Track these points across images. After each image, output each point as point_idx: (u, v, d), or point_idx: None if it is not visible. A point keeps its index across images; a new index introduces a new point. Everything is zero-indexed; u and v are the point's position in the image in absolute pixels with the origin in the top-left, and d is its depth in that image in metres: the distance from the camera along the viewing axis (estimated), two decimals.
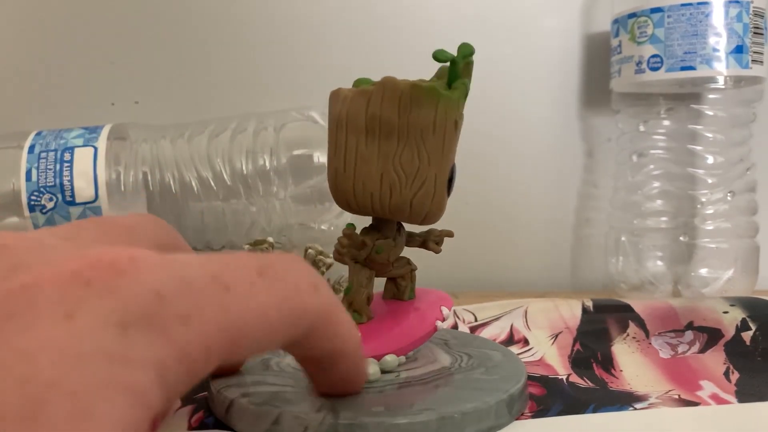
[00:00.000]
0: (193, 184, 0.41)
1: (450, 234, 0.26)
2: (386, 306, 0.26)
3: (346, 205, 0.24)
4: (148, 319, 0.12)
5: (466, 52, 0.23)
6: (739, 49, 0.40)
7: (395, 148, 0.22)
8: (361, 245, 0.24)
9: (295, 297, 0.15)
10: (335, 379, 0.19)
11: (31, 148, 0.40)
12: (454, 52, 0.22)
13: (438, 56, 0.23)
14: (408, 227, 0.25)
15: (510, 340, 0.33)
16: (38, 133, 0.41)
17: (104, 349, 0.11)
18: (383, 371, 0.23)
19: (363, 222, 0.25)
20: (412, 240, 0.26)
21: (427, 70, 0.24)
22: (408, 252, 0.26)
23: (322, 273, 0.39)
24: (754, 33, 0.40)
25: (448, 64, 0.23)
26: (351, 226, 0.24)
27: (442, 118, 0.22)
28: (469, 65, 0.23)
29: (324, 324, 0.16)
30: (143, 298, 0.12)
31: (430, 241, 0.26)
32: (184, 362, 0.12)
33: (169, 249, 0.16)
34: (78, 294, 0.11)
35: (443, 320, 0.25)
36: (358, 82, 0.23)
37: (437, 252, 0.26)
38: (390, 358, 0.23)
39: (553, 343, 0.32)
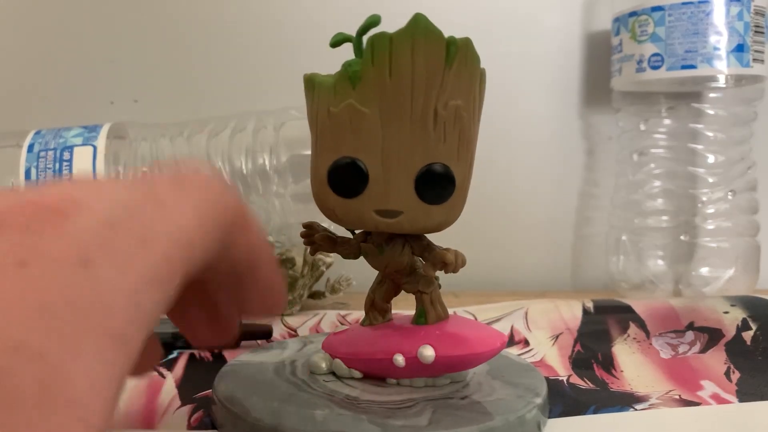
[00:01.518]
0: None
1: (452, 262, 0.21)
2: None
3: None
4: (107, 250, 0.11)
5: (365, 25, 0.21)
6: (740, 48, 0.40)
7: (312, 147, 0.22)
8: (324, 239, 0.23)
9: (214, 197, 0.14)
10: (257, 291, 0.18)
11: (30, 147, 0.40)
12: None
13: (331, 42, 0.21)
14: (437, 239, 0.23)
15: (510, 341, 0.33)
16: (37, 132, 0.41)
17: (68, 293, 0.10)
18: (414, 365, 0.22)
19: None
20: (424, 257, 0.23)
21: None
22: None
23: (322, 273, 0.39)
24: (755, 32, 0.40)
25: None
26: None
27: (316, 108, 0.21)
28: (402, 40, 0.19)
29: (242, 219, 0.15)
30: (96, 232, 0.11)
31: (428, 263, 0.23)
32: (154, 284, 0.11)
33: None
34: (27, 241, 0.10)
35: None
36: (346, 65, 0.21)
37: (429, 276, 0.23)
38: (428, 352, 0.22)
39: (553, 344, 0.32)
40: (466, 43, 0.20)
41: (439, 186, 0.21)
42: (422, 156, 0.20)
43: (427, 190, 0.21)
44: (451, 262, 0.21)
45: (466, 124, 0.21)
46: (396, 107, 0.20)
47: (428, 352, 0.22)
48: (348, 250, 0.23)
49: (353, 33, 0.21)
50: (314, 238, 0.23)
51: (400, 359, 0.22)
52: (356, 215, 0.21)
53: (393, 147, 0.20)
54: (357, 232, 0.24)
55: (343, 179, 0.21)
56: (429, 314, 0.23)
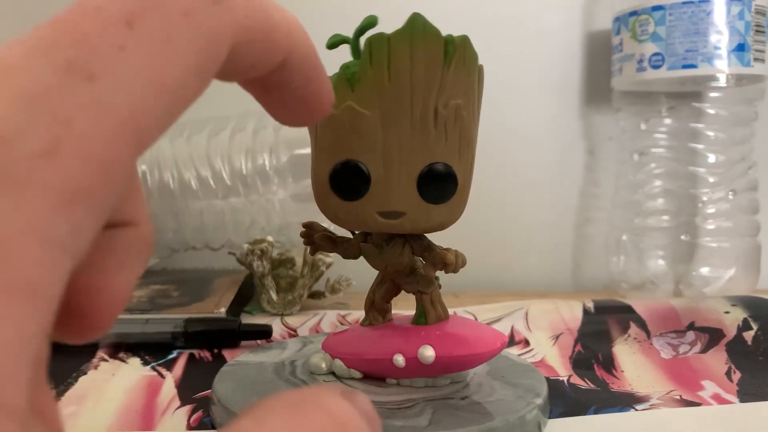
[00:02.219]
0: (192, 183, 0.41)
1: (451, 262, 0.22)
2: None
3: None
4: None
5: (362, 25, 0.20)
6: (740, 47, 0.39)
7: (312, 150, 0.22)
8: (323, 239, 0.23)
9: (189, 29, 0.10)
10: (299, 95, 0.14)
11: None
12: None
13: (328, 44, 0.21)
14: (437, 239, 0.23)
15: (511, 341, 0.33)
16: None
17: None
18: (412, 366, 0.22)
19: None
20: (425, 257, 0.23)
21: None
22: None
23: (322, 273, 0.39)
24: (756, 31, 0.40)
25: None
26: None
27: None
28: (401, 40, 0.19)
29: (250, 37, 0.12)
30: None
31: (428, 263, 0.23)
32: (69, 201, 0.09)
33: None
34: None
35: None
36: (344, 66, 0.21)
37: (429, 277, 0.23)
38: (428, 352, 0.22)
39: (554, 344, 0.32)
40: (464, 41, 0.20)
41: (441, 185, 0.21)
42: (423, 156, 0.20)
43: (428, 190, 0.21)
44: (451, 263, 0.21)
45: (466, 123, 0.21)
46: (396, 108, 0.20)
47: (428, 353, 0.22)
48: (348, 250, 0.23)
49: (351, 34, 0.21)
50: (314, 238, 0.23)
51: (400, 359, 0.22)
52: (359, 217, 0.21)
53: (394, 148, 0.20)
54: (357, 232, 0.24)
55: (345, 182, 0.21)
56: (429, 314, 0.23)
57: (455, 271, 0.22)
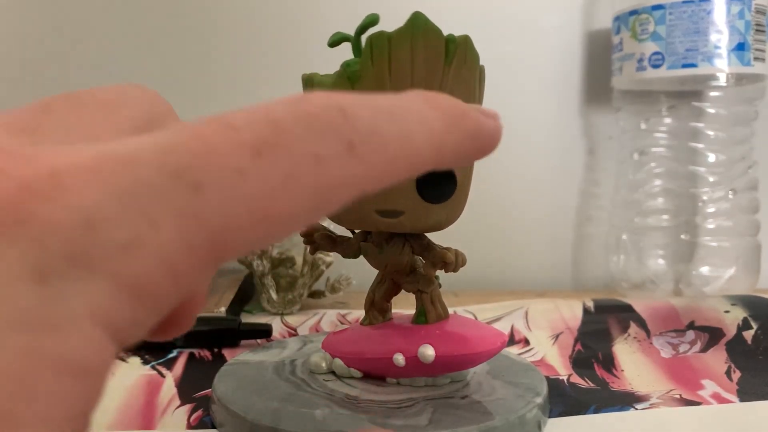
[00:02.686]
0: None
1: (451, 261, 0.22)
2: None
3: None
4: (75, 259, 0.09)
5: (363, 24, 0.20)
6: (740, 47, 0.39)
7: None
8: (323, 238, 0.23)
9: (315, 173, 0.10)
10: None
11: None
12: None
13: (329, 42, 0.21)
14: (437, 238, 0.23)
15: (511, 340, 0.33)
16: None
17: (16, 316, 0.08)
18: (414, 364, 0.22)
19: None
20: (425, 257, 0.23)
21: None
22: None
23: (322, 272, 0.39)
24: (756, 30, 0.40)
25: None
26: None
27: None
28: (403, 38, 0.19)
29: (377, 186, 0.11)
30: (67, 233, 0.08)
31: (427, 262, 0.23)
32: (135, 295, 0.09)
33: (158, 124, 0.12)
34: None
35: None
36: (345, 64, 0.21)
37: (429, 277, 0.23)
38: (428, 351, 0.22)
39: (554, 344, 0.32)
40: (465, 41, 0.20)
41: (440, 185, 0.21)
42: None
43: (428, 190, 0.21)
44: (451, 262, 0.21)
45: None
46: None
47: (428, 352, 0.22)
48: (348, 249, 0.23)
49: (352, 32, 0.21)
50: (314, 237, 0.23)
51: (400, 358, 0.22)
52: (357, 215, 0.21)
53: None
54: (357, 231, 0.24)
55: None
56: (429, 313, 0.23)
57: (455, 270, 0.22)
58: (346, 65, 0.20)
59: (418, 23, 0.19)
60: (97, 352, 0.09)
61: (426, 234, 0.23)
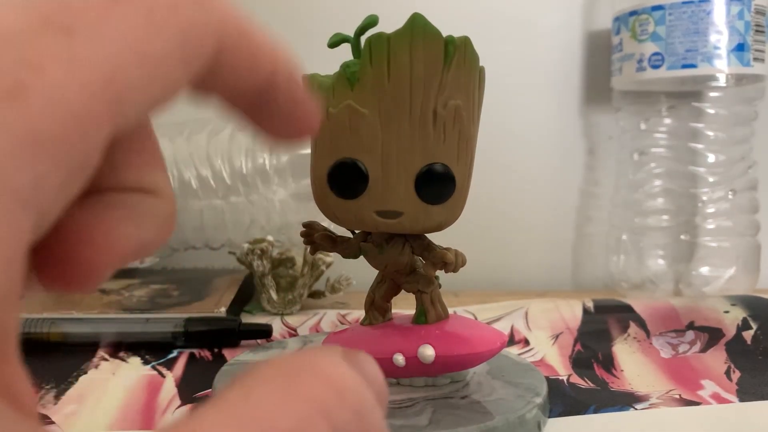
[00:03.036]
0: (193, 182, 0.41)
1: (451, 261, 0.22)
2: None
3: None
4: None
5: (363, 25, 0.20)
6: (740, 47, 0.39)
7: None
8: (323, 238, 0.23)
9: (172, 12, 0.10)
10: (282, 114, 0.14)
11: None
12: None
13: (329, 43, 0.21)
14: (437, 238, 0.23)
15: (511, 340, 0.33)
16: None
17: None
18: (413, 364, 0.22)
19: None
20: (425, 257, 0.23)
21: None
22: None
23: (322, 272, 0.39)
24: (756, 31, 0.40)
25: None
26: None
27: None
28: (401, 40, 0.19)
29: (235, 44, 0.11)
30: None
31: (428, 262, 0.23)
32: (33, 145, 0.08)
33: None
34: None
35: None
36: (345, 66, 0.21)
37: (429, 277, 0.23)
38: (428, 352, 0.22)
39: (553, 344, 0.32)
40: (465, 42, 0.20)
41: (440, 186, 0.21)
42: (422, 156, 0.20)
43: (427, 191, 0.21)
44: (451, 262, 0.21)
45: (465, 124, 0.21)
46: (395, 108, 0.20)
47: (428, 352, 0.22)
48: (348, 249, 0.23)
49: (351, 33, 0.21)
50: (314, 237, 0.23)
51: (400, 359, 0.22)
52: (356, 216, 0.21)
53: (392, 147, 0.20)
54: (357, 231, 0.24)
55: (343, 180, 0.21)
56: (429, 314, 0.23)
57: (455, 270, 0.22)
58: (345, 66, 0.20)
59: (418, 24, 0.19)
60: (36, 193, 0.08)
61: (426, 234, 0.23)
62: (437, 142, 0.20)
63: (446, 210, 0.21)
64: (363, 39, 0.20)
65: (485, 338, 0.22)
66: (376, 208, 0.21)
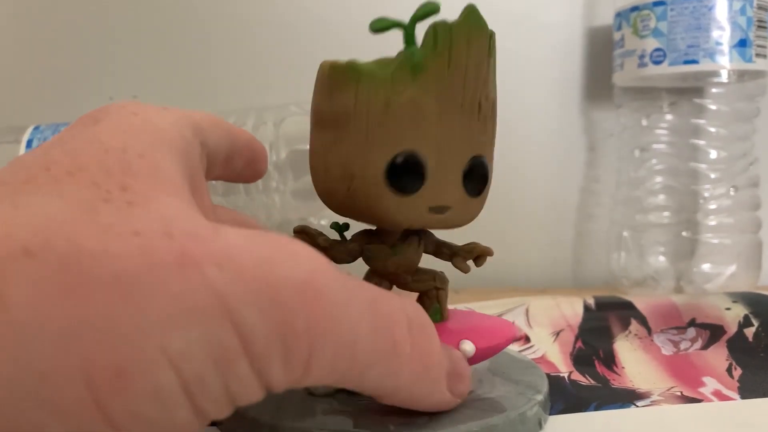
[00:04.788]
0: None
1: (489, 252, 0.22)
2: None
3: (326, 204, 0.22)
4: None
5: (423, 11, 0.19)
6: (742, 43, 0.39)
7: (330, 141, 0.20)
8: (321, 242, 0.22)
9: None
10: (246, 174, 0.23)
11: (29, 143, 0.40)
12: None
13: (374, 27, 0.19)
14: (445, 236, 0.23)
15: None
16: (36, 128, 0.41)
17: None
18: None
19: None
20: (441, 252, 0.22)
21: None
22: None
23: None
24: (758, 27, 0.40)
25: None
26: (334, 226, 0.22)
27: (365, 99, 0.19)
28: (459, 31, 0.19)
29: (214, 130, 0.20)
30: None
31: (459, 256, 0.22)
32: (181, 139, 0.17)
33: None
34: None
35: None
36: (410, 53, 0.19)
37: (465, 271, 0.22)
38: (469, 346, 0.21)
39: (554, 341, 0.32)
40: (494, 37, 0.21)
41: (482, 179, 0.21)
42: (468, 149, 0.20)
43: (472, 184, 0.20)
44: (490, 253, 0.22)
45: (496, 117, 0.21)
46: (451, 99, 0.19)
47: (469, 347, 0.21)
48: (341, 253, 0.22)
49: (349, 29, 0.21)
50: (318, 241, 0.22)
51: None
52: (410, 214, 0.20)
53: (446, 140, 0.20)
54: (345, 233, 0.23)
55: (406, 175, 0.19)
56: (444, 311, 0.23)
57: (483, 263, 0.22)
58: (410, 54, 0.19)
59: (474, 16, 0.20)
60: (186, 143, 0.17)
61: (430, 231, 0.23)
62: (480, 134, 0.20)
63: (479, 202, 0.21)
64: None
65: (503, 328, 0.23)
66: (430, 203, 0.20)
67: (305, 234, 0.22)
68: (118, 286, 0.11)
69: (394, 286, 0.23)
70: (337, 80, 0.19)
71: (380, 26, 0.19)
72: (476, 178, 0.21)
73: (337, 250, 0.22)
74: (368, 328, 0.15)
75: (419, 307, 0.17)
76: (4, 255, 0.11)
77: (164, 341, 0.11)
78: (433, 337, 0.18)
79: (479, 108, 0.20)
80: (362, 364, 0.15)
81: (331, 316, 0.14)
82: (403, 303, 0.17)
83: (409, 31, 0.19)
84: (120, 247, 0.11)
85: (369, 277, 0.23)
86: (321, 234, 0.22)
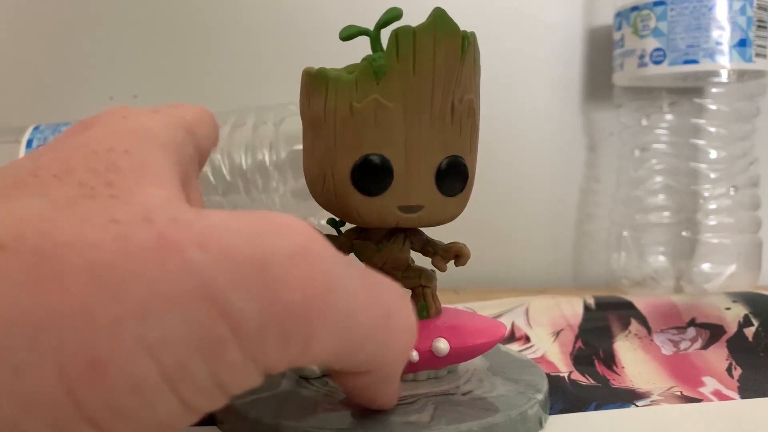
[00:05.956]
0: None
1: (465, 252, 0.22)
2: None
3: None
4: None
5: (385, 18, 0.20)
6: (742, 43, 0.39)
7: (310, 143, 0.21)
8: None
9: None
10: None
11: (29, 143, 0.40)
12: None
13: (342, 35, 0.20)
14: (444, 237, 0.23)
15: (511, 337, 0.32)
16: (36, 128, 0.41)
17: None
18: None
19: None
20: (427, 251, 0.23)
21: None
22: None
23: None
24: (758, 26, 0.40)
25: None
26: (331, 222, 0.23)
27: (333, 104, 0.20)
28: (424, 34, 0.19)
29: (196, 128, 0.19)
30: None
31: (438, 255, 0.23)
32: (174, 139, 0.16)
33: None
34: None
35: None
36: (371, 59, 0.20)
37: (441, 270, 0.23)
38: (443, 345, 0.22)
39: (554, 341, 0.32)
40: (474, 37, 0.20)
41: (458, 178, 0.21)
42: (441, 149, 0.20)
43: (446, 183, 0.21)
44: (467, 255, 0.22)
45: (476, 117, 0.21)
46: (418, 102, 0.20)
47: (442, 345, 0.22)
48: (336, 248, 0.23)
49: (347, 28, 0.21)
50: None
51: (414, 354, 0.22)
52: (379, 213, 0.21)
53: (415, 142, 0.20)
54: (344, 229, 0.23)
55: (370, 177, 0.20)
56: (431, 308, 0.23)
57: (464, 263, 0.22)
58: (371, 59, 0.20)
59: (441, 19, 0.19)
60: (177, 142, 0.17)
61: (423, 229, 0.23)
62: (454, 136, 0.21)
63: (459, 202, 0.22)
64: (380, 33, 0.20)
65: (488, 328, 0.23)
66: (399, 203, 0.21)
67: None
68: (93, 274, 0.11)
69: None
70: (311, 86, 0.21)
71: (347, 34, 0.20)
72: (453, 177, 0.21)
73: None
74: (364, 298, 0.14)
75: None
76: None
77: (141, 330, 0.11)
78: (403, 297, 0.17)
79: (452, 110, 0.20)
80: (361, 336, 0.14)
81: (330, 286, 0.13)
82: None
83: (373, 37, 0.20)
84: (96, 236, 0.11)
85: None
86: (316, 230, 0.23)
